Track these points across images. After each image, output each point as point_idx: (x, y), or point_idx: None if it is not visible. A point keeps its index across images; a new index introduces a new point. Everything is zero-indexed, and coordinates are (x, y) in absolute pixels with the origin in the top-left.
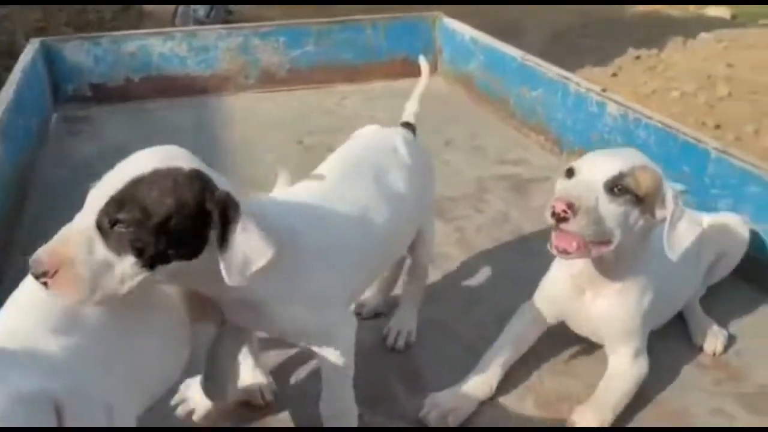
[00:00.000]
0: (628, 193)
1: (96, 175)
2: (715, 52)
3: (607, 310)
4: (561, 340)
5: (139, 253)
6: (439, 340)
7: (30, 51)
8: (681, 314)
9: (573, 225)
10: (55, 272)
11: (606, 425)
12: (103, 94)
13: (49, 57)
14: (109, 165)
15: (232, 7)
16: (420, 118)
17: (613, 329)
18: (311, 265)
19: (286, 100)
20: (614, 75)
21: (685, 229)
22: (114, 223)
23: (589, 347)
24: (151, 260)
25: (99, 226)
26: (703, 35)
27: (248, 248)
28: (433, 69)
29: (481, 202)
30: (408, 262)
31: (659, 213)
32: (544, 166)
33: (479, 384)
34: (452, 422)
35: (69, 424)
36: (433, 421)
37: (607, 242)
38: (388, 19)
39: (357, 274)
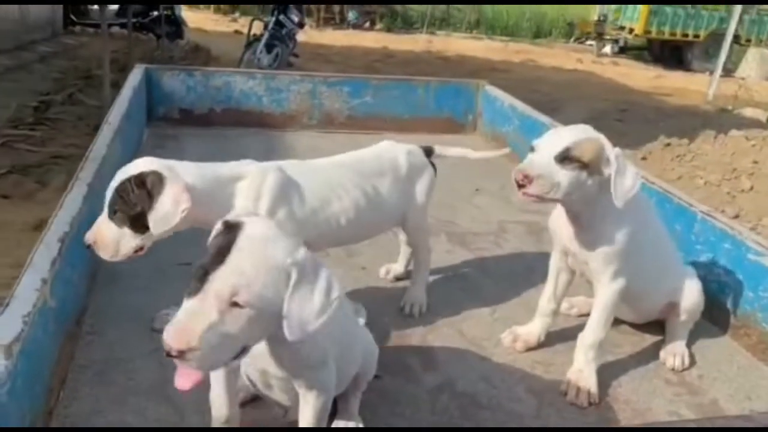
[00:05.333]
0: (575, 161)
1: None
2: (744, 149)
3: (590, 239)
4: None
5: (131, 225)
6: (452, 337)
7: (137, 74)
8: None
9: (531, 189)
10: (95, 243)
11: (599, 339)
12: (189, 119)
13: (150, 82)
14: None
15: (293, 59)
16: (457, 169)
17: (596, 254)
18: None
19: (342, 140)
20: (643, 158)
21: (628, 179)
22: (115, 212)
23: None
24: (138, 228)
25: (109, 216)
26: (734, 132)
27: (165, 208)
28: (473, 129)
29: (500, 239)
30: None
31: (606, 171)
32: None
33: (540, 322)
34: (519, 347)
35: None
36: (506, 343)
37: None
38: (438, 82)
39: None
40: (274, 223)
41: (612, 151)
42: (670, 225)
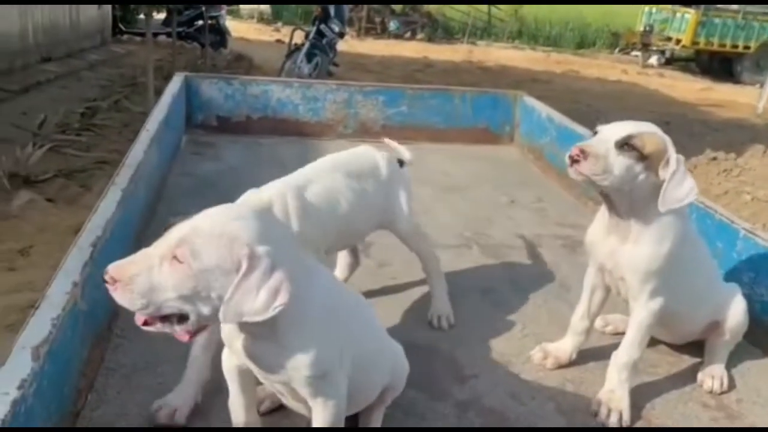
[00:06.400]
0: (634, 150)
1: (214, 187)
2: None
3: (629, 254)
4: None
5: None
6: (481, 352)
7: (177, 82)
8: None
9: (583, 166)
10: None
11: (633, 359)
12: (227, 126)
13: (189, 89)
14: (226, 182)
15: (333, 68)
16: (492, 180)
17: (634, 271)
18: None
19: None
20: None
21: (683, 189)
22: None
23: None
24: None
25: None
26: None
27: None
28: (510, 140)
29: (535, 253)
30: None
31: (662, 173)
32: None
33: (572, 340)
34: (550, 365)
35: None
36: (536, 360)
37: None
38: (475, 92)
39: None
40: (260, 214)
41: (674, 155)
42: (712, 242)
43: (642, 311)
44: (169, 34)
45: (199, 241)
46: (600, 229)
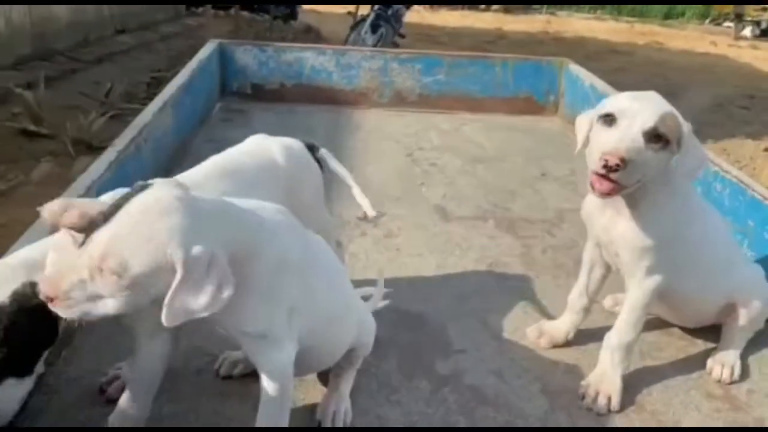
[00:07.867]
0: (662, 140)
1: None
2: None
3: (623, 229)
4: None
5: None
6: (473, 327)
7: (209, 48)
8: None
9: (622, 175)
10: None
11: (626, 341)
12: (261, 94)
13: (223, 57)
14: None
15: (399, 39)
16: (526, 152)
17: (628, 247)
18: None
19: (410, 119)
20: (766, 150)
21: (695, 161)
22: None
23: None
24: None
25: None
26: None
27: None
28: (554, 110)
29: (555, 229)
30: None
31: (677, 149)
32: None
33: (569, 318)
34: (543, 343)
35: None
36: (531, 337)
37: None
38: (517, 59)
39: None
40: (181, 193)
41: (686, 126)
42: (743, 220)
43: (636, 290)
44: (243, 7)
45: (126, 252)
46: (596, 201)
